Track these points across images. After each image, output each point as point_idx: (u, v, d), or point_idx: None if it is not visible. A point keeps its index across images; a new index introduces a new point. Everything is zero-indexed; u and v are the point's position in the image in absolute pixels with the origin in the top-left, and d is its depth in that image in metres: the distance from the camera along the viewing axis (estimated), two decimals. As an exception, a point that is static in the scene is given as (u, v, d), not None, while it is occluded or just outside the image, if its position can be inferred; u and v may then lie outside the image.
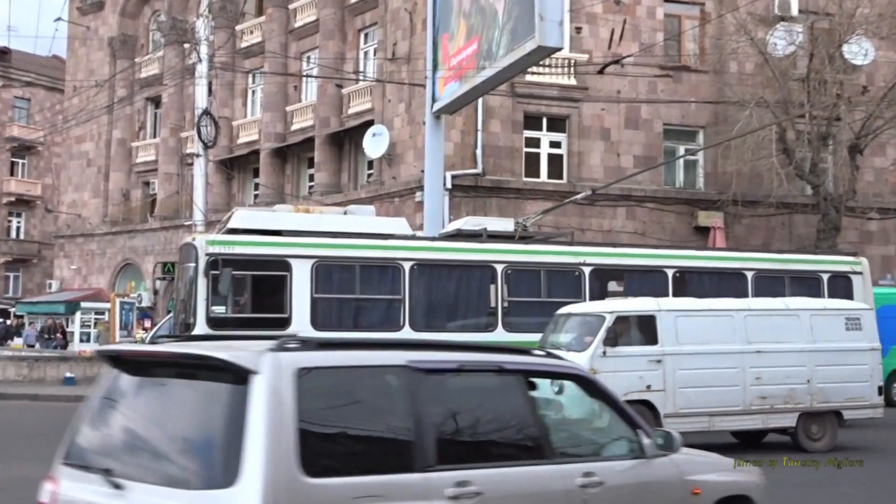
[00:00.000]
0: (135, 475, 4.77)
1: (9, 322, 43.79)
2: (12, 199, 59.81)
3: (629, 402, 13.03)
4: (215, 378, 4.80)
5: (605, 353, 13.72)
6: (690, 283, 18.11)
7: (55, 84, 57.80)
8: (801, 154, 27.73)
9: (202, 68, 26.21)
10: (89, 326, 38.05)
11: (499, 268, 17.11)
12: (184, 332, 15.64)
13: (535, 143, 28.92)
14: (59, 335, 38.45)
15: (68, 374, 26.53)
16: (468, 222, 19.10)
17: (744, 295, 17.62)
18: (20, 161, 61.01)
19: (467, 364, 5.55)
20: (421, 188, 25.41)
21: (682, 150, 30.13)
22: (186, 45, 33.07)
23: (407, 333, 15.92)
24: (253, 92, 38.22)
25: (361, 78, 32.38)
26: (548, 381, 6.25)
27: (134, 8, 43.59)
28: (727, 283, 18.15)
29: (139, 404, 5.23)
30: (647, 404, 13.67)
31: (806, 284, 18.59)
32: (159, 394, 5.16)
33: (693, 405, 14.01)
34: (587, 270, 17.60)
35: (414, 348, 5.43)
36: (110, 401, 5.32)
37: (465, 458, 5.23)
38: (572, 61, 28.69)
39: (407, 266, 16.57)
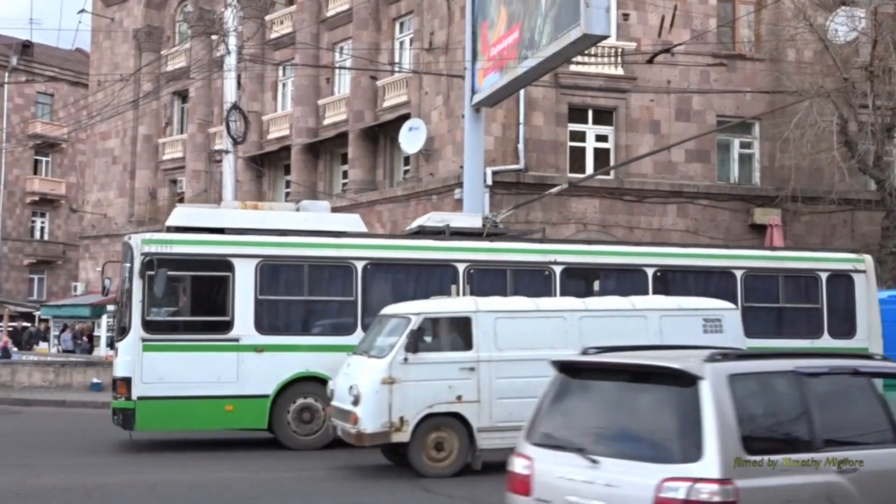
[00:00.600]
0: (606, 453, 6.46)
1: (32, 326, 42.86)
2: (36, 198, 58.91)
3: (435, 414, 12.44)
4: (667, 382, 6.51)
5: (406, 359, 12.49)
6: (672, 283, 16.91)
7: (79, 79, 56.86)
8: (864, 147, 26.35)
9: (231, 61, 25.06)
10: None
11: (461, 267, 16.03)
12: (119, 335, 15.25)
13: (580, 136, 27.60)
14: (85, 339, 37.47)
15: (95, 380, 26.13)
16: (431, 218, 17.88)
17: (733, 297, 16.54)
18: (44, 159, 60.10)
19: (835, 368, 7.19)
20: (460, 185, 24.60)
21: (736, 143, 28.72)
22: (214, 37, 31.86)
23: (359, 337, 14.67)
24: (283, 85, 37.06)
25: (397, 69, 31.15)
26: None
27: (159, -1, 42.58)
28: (714, 284, 17.05)
29: (595, 399, 7.09)
30: (459, 417, 12.57)
31: (802, 284, 17.68)
32: (614, 392, 6.96)
33: (513, 418, 12.12)
34: (558, 269, 16.39)
35: (793, 357, 7.16)
36: (564, 397, 7.20)
37: (841, 442, 6.78)
38: (619, 50, 27.43)
39: (360, 265, 15.71)
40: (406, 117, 29.31)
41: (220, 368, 14.82)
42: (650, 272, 16.82)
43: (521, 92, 24.98)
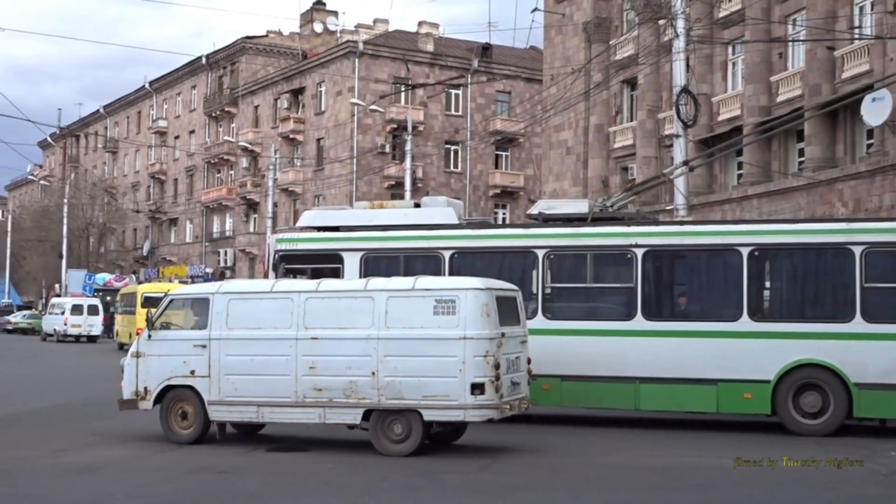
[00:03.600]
0: None
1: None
2: (497, 191, 62.43)
3: (174, 386, 13.78)
4: None
5: (150, 336, 14.01)
6: (774, 264, 15.57)
7: (533, 75, 59.43)
8: None
9: (679, 44, 24.69)
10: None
11: (540, 253, 16.31)
12: None
13: None
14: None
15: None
16: (538, 206, 18.02)
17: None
18: (503, 154, 63.55)
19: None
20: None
21: None
22: (662, 22, 31.72)
23: None
24: (733, 64, 36.10)
25: (857, 37, 29.08)
26: None
27: (607, -10, 43.21)
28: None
29: None
30: (194, 390, 13.61)
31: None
32: None
33: (239, 393, 13.33)
34: (640, 252, 15.81)
35: None
36: None
37: None
38: None
39: (447, 255, 16.57)
40: (869, 88, 27.28)
41: None
42: (745, 252, 15.32)
43: None
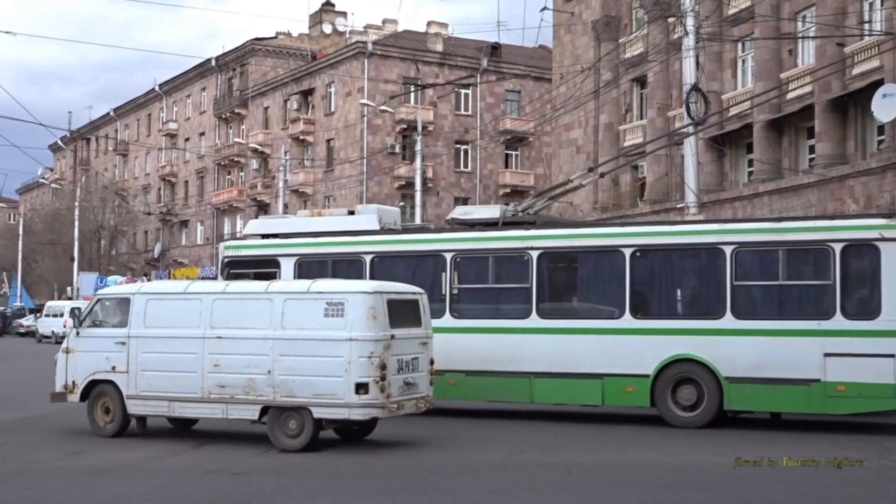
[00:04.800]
0: None
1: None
2: (507, 190, 62.44)
3: (98, 381, 14.68)
4: None
5: (77, 333, 15.03)
6: (652, 263, 16.20)
7: (542, 74, 59.45)
8: None
9: (688, 42, 24.69)
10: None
11: (448, 256, 17.40)
12: None
13: None
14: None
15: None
16: (457, 211, 19.20)
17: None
18: (513, 153, 63.56)
19: None
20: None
21: None
22: (671, 20, 31.69)
23: None
24: (743, 61, 36.01)
25: (867, 33, 29.02)
26: None
27: (615, -11, 43.16)
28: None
29: None
30: (114, 385, 14.51)
31: (810, 259, 15.33)
32: None
33: (153, 388, 14.19)
34: (535, 254, 16.78)
35: None
36: None
37: None
38: None
39: (368, 259, 17.88)
40: (879, 83, 27.22)
41: None
42: (627, 253, 16.16)
43: None
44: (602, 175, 23.83)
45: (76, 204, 71.51)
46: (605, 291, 16.59)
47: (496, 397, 17.15)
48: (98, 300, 15.35)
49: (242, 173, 72.47)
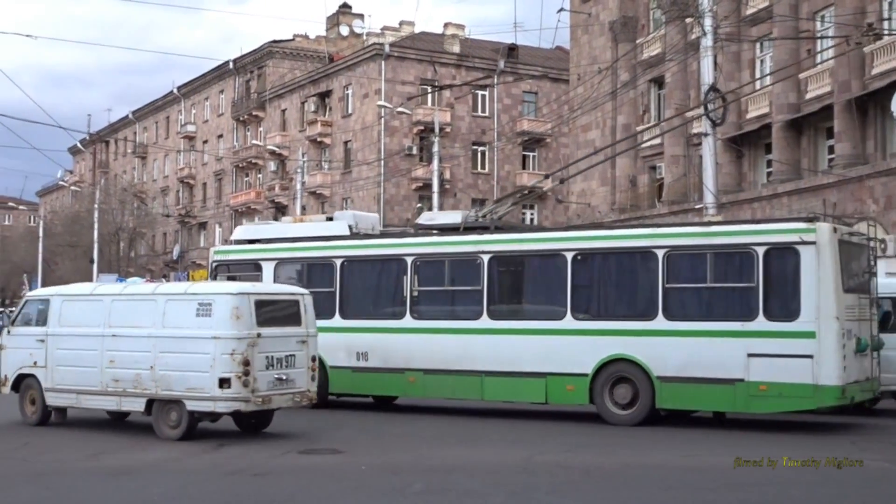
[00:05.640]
0: None
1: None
2: (525, 191, 62.28)
3: (25, 374, 16.28)
4: None
5: (9, 331, 16.77)
6: (592, 266, 16.82)
7: (559, 75, 59.33)
8: None
9: (706, 42, 24.60)
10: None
11: (409, 259, 18.30)
12: None
13: None
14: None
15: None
16: (423, 216, 20.68)
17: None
18: (531, 154, 63.45)
19: None
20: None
21: None
22: (689, 20, 31.61)
23: (338, 321, 18.65)
24: (761, 61, 35.89)
25: (886, 32, 28.87)
26: None
27: (633, -11, 43.07)
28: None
29: None
30: (36, 378, 16.07)
31: (735, 262, 15.63)
32: None
33: (65, 382, 15.68)
34: (486, 258, 17.55)
35: None
36: None
37: None
38: None
39: (338, 262, 19.02)
40: (899, 83, 27.11)
41: None
42: (569, 256, 16.77)
43: None
44: (562, 181, 25.84)
45: (95, 206, 71.74)
46: (549, 294, 17.24)
47: (451, 395, 17.97)
48: (27, 301, 17.11)
49: (260, 175, 72.63)
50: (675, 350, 15.65)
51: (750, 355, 15.03)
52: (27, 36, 60.13)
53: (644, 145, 42.11)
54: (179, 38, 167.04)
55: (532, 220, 62.63)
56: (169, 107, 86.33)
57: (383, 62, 59.74)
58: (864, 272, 15.82)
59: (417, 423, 17.14)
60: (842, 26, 29.33)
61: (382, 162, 58.41)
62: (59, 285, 21.00)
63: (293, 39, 73.39)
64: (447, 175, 56.46)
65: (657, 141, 41.10)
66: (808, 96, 32.58)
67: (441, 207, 45.91)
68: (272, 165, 69.44)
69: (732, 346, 15.15)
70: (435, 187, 43.65)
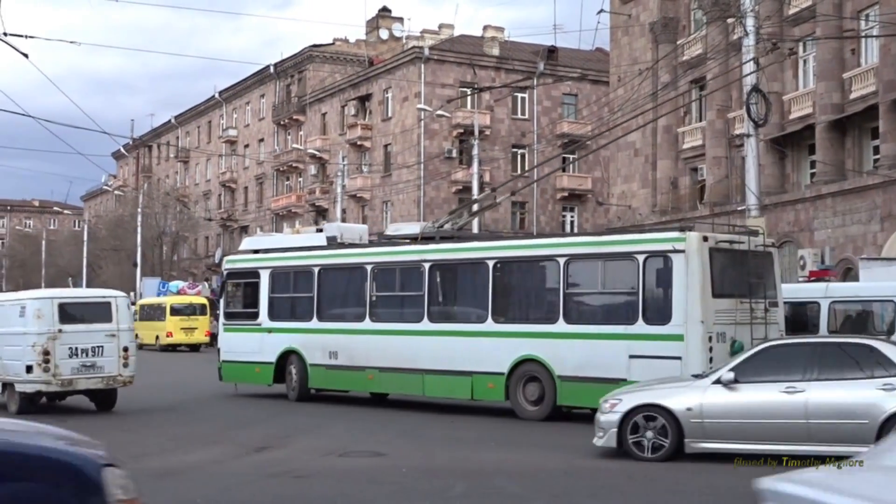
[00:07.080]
0: None
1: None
2: (565, 194, 62.17)
3: None
4: None
5: None
6: (507, 273, 18.26)
7: (599, 77, 59.08)
8: None
9: (748, 42, 24.35)
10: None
11: (368, 267, 20.07)
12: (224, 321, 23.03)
13: None
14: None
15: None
16: (390, 227, 23.39)
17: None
18: (570, 156, 63.17)
19: None
20: None
21: None
22: (730, 20, 31.34)
23: (315, 324, 20.81)
24: (804, 62, 35.51)
25: (932, 31, 28.45)
26: None
27: (673, -10, 42.78)
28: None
29: None
30: None
31: (622, 268, 16.71)
32: None
33: None
34: (427, 266, 19.04)
35: None
36: None
37: None
38: None
39: (316, 270, 20.94)
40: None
41: (252, 343, 21.84)
42: (491, 264, 18.12)
43: None
44: (497, 202, 29.73)
45: (139, 210, 72.53)
46: (475, 298, 18.63)
47: (400, 390, 19.84)
48: None
49: (301, 179, 73.01)
50: (572, 351, 16.79)
51: (631, 357, 15.99)
52: (71, 42, 60.68)
53: (685, 146, 41.85)
54: (221, 43, 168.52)
55: (573, 222, 62.43)
56: (211, 111, 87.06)
57: (423, 65, 59.83)
58: (753, 278, 16.12)
59: (457, 426, 17.14)
60: (887, 25, 28.93)
61: (422, 165, 58.48)
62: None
63: (333, 43, 73.71)
64: (487, 178, 56.41)
65: (699, 142, 40.82)
66: (853, 96, 32.19)
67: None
68: (312, 169, 69.79)
69: (617, 348, 16.14)
70: (475, 190, 43.60)
